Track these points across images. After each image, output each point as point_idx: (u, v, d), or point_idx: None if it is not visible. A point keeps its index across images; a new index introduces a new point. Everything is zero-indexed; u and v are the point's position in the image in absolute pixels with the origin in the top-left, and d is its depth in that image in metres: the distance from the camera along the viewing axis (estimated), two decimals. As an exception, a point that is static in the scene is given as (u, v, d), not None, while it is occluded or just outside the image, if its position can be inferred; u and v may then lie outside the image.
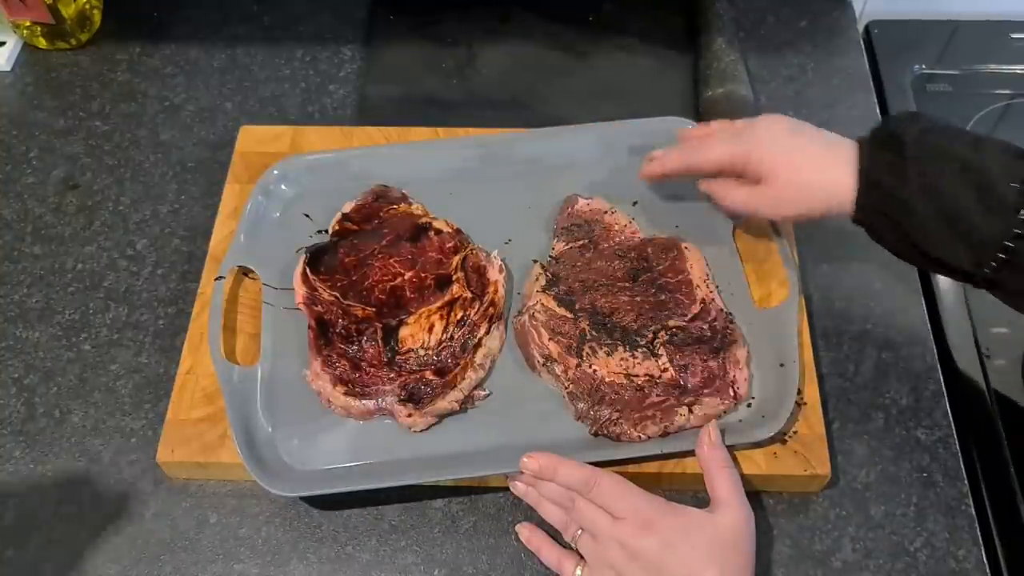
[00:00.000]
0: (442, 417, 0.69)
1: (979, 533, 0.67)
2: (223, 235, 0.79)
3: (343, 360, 0.70)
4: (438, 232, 0.76)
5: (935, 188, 0.59)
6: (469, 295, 0.72)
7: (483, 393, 0.70)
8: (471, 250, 0.75)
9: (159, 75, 0.96)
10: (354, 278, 0.74)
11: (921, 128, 0.61)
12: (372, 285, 0.73)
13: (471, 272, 0.74)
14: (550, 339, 0.69)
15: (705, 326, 0.70)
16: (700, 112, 0.88)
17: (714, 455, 0.63)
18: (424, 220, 0.77)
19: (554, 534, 0.65)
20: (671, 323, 0.70)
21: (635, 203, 0.78)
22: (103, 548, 0.68)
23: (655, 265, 0.74)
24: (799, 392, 0.69)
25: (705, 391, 0.67)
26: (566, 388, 0.68)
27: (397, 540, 0.67)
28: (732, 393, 0.67)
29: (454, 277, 0.73)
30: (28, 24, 0.95)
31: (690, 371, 0.68)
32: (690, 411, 0.66)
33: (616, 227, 0.77)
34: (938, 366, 0.75)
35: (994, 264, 0.58)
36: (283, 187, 0.81)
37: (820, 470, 0.66)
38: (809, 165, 0.65)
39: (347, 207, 0.78)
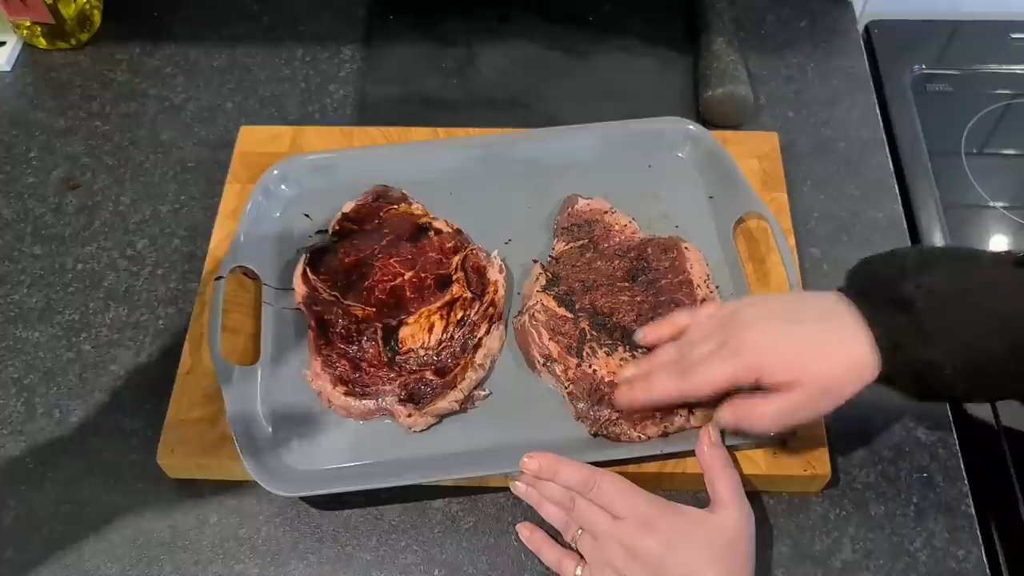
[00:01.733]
0: (442, 417, 0.69)
1: (979, 533, 0.67)
2: (223, 235, 0.79)
3: (343, 360, 0.70)
4: (438, 232, 0.76)
5: (963, 341, 0.55)
6: (469, 295, 0.72)
7: (483, 393, 0.70)
8: (471, 250, 0.75)
9: (159, 75, 0.96)
10: (354, 278, 0.74)
11: (915, 278, 0.57)
12: (372, 285, 0.73)
13: (471, 272, 0.74)
14: (550, 339, 0.69)
15: (705, 326, 0.70)
16: (700, 112, 0.88)
17: (714, 455, 0.63)
18: (424, 220, 0.77)
19: (554, 534, 0.65)
20: (671, 323, 0.70)
21: (633, 218, 0.78)
22: (103, 548, 0.68)
23: (655, 265, 0.74)
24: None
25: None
26: (566, 388, 0.68)
27: (397, 540, 0.67)
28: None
29: (454, 277, 0.73)
30: (28, 24, 0.95)
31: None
32: (690, 412, 0.66)
33: (616, 227, 0.77)
34: (938, 366, 0.75)
35: None
36: (283, 187, 0.81)
37: (820, 470, 0.66)
38: (828, 353, 0.58)
39: (347, 207, 0.78)
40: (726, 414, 0.62)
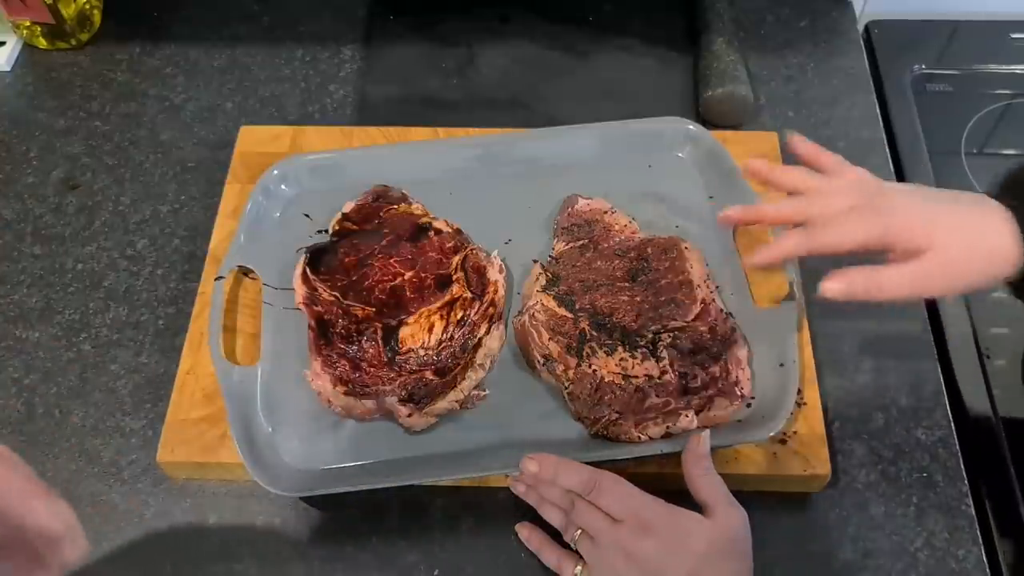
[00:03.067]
0: (442, 417, 0.69)
1: (979, 533, 0.67)
2: (223, 235, 0.79)
3: (343, 360, 0.70)
4: (438, 232, 0.76)
5: None
6: (469, 295, 0.72)
7: (483, 393, 0.70)
8: (471, 250, 0.75)
9: (159, 75, 0.96)
10: (354, 278, 0.74)
11: None
12: (372, 285, 0.73)
13: (471, 272, 0.74)
14: (550, 339, 0.69)
15: (705, 327, 0.70)
16: (700, 112, 0.88)
17: (697, 463, 0.63)
18: (424, 220, 0.77)
19: (554, 534, 0.65)
20: (671, 324, 0.70)
21: (633, 218, 0.78)
22: (103, 548, 0.68)
23: (655, 265, 0.74)
24: (799, 392, 0.69)
25: (708, 392, 0.67)
26: (566, 388, 0.68)
27: (397, 540, 0.67)
28: (739, 394, 0.67)
29: (454, 277, 0.73)
30: (28, 24, 0.95)
31: (690, 376, 0.68)
32: (696, 414, 0.66)
33: (616, 227, 0.77)
34: (938, 366, 0.75)
35: None
36: (283, 187, 0.81)
37: (820, 470, 0.66)
38: (969, 229, 0.57)
39: (347, 207, 0.78)
40: (858, 276, 0.57)
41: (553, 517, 0.64)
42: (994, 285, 0.58)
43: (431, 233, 0.76)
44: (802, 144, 0.65)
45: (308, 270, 0.74)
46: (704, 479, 0.62)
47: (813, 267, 0.79)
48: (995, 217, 0.57)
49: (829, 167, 0.64)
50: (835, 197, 0.60)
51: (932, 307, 0.78)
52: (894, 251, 0.58)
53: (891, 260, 0.58)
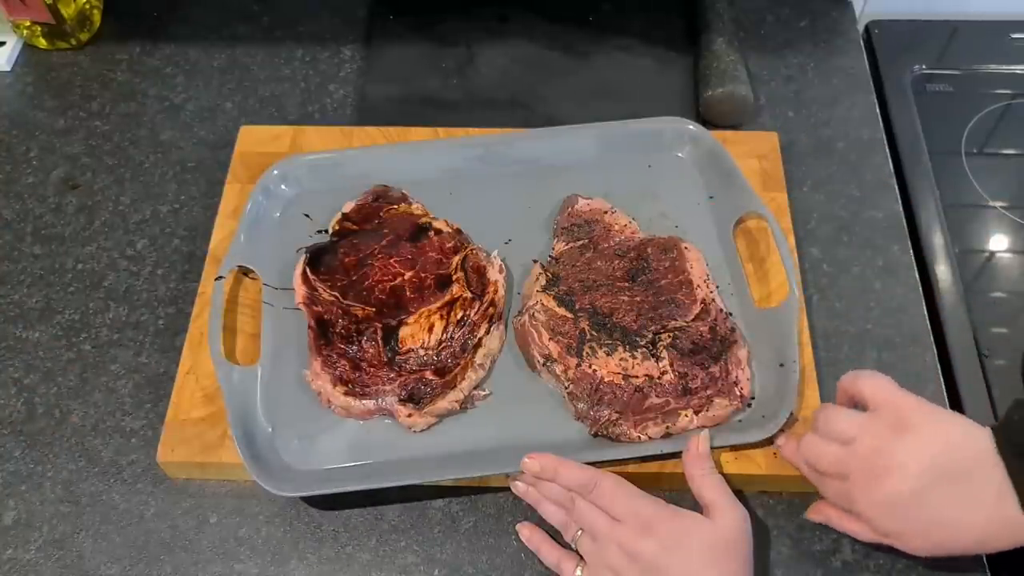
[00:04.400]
0: (442, 417, 0.69)
1: (979, 533, 0.67)
2: (223, 235, 0.79)
3: (343, 360, 0.70)
4: (438, 232, 0.76)
5: None
6: (469, 295, 0.72)
7: (483, 393, 0.70)
8: (471, 250, 0.75)
9: (159, 75, 0.96)
10: (354, 278, 0.74)
11: None
12: (372, 285, 0.73)
13: (471, 272, 0.74)
14: (550, 339, 0.69)
15: (705, 327, 0.70)
16: (700, 112, 0.88)
17: (698, 463, 0.63)
18: (424, 220, 0.77)
19: (554, 534, 0.65)
20: (672, 324, 0.70)
21: (633, 218, 0.78)
22: (103, 548, 0.68)
23: (655, 265, 0.74)
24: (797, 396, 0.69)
25: (708, 392, 0.67)
26: (566, 388, 0.68)
27: (397, 540, 0.67)
28: (738, 393, 0.67)
29: (454, 277, 0.73)
30: (28, 24, 0.95)
31: (690, 376, 0.68)
32: (696, 414, 0.66)
33: (616, 227, 0.77)
34: (938, 366, 0.75)
35: None
36: (283, 187, 0.81)
37: (820, 470, 0.66)
38: (963, 529, 0.56)
39: (347, 207, 0.78)
40: (823, 514, 0.63)
41: (553, 517, 0.64)
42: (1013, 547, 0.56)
43: (431, 233, 0.76)
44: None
45: (308, 270, 0.74)
46: (706, 479, 0.62)
47: (813, 267, 0.79)
48: (994, 491, 0.54)
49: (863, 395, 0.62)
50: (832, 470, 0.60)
51: (932, 306, 0.78)
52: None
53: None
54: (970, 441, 0.56)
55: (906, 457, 0.57)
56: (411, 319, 0.71)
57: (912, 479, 0.56)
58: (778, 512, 0.68)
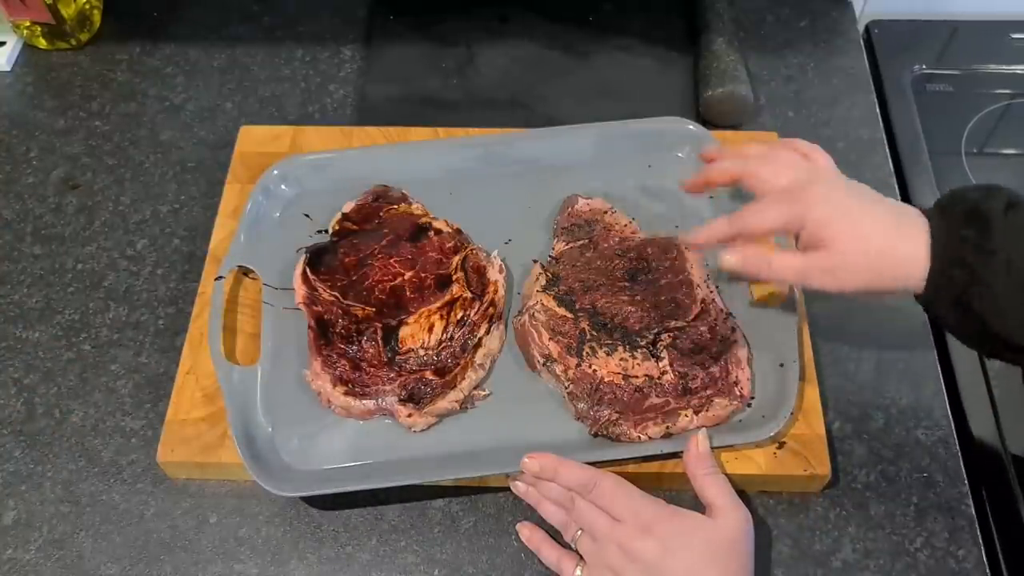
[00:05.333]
0: (442, 417, 0.69)
1: (979, 533, 0.67)
2: (223, 235, 0.79)
3: (343, 360, 0.70)
4: (438, 232, 0.76)
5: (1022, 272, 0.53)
6: (469, 295, 0.72)
7: (483, 393, 0.70)
8: (471, 250, 0.75)
9: (159, 75, 0.96)
10: (354, 278, 0.74)
11: (1007, 203, 0.55)
12: (372, 285, 0.73)
13: (471, 272, 0.74)
14: (550, 339, 0.69)
15: (705, 327, 0.70)
16: (700, 112, 0.88)
17: (700, 463, 0.63)
18: (424, 220, 0.77)
19: (554, 534, 0.65)
20: (672, 324, 0.70)
21: (633, 218, 0.78)
22: (103, 548, 0.68)
23: (655, 265, 0.74)
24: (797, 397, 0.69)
25: (708, 392, 0.67)
26: (566, 388, 0.68)
27: (397, 540, 0.67)
28: (738, 393, 0.67)
29: (454, 277, 0.73)
30: (28, 24, 0.95)
31: (690, 376, 0.68)
32: (696, 414, 0.66)
33: (616, 227, 0.77)
34: (938, 366, 0.75)
35: None
36: (283, 187, 0.81)
37: (820, 470, 0.66)
38: (879, 234, 0.57)
39: (347, 207, 0.78)
40: (750, 255, 0.61)
41: (553, 516, 0.64)
42: (900, 294, 0.57)
43: (431, 233, 0.76)
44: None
45: (308, 270, 0.74)
46: (708, 479, 0.62)
47: (813, 267, 0.79)
48: (912, 229, 0.57)
49: (802, 150, 0.68)
50: (775, 165, 0.64)
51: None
52: (801, 241, 0.59)
53: (799, 246, 0.60)
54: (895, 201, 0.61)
55: (842, 179, 0.62)
56: (411, 319, 0.71)
57: (854, 185, 0.61)
58: (778, 512, 0.68)
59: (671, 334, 0.70)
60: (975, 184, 0.60)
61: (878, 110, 0.90)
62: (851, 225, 0.58)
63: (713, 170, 0.69)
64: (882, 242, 0.57)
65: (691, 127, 0.82)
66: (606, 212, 0.78)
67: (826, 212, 0.58)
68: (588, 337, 0.70)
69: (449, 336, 0.71)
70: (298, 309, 0.73)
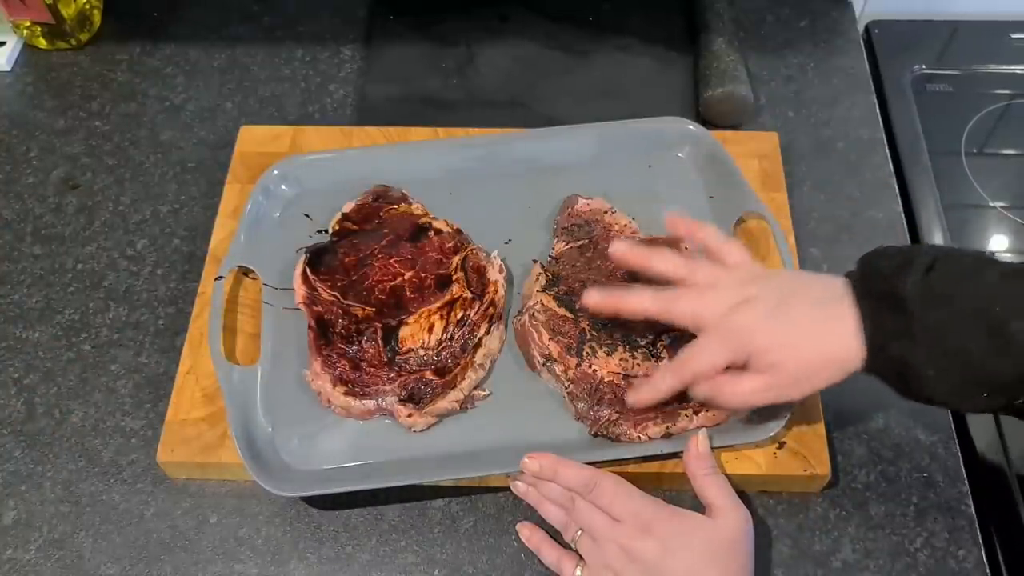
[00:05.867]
0: (442, 417, 0.69)
1: (979, 533, 0.67)
2: (223, 235, 0.79)
3: (343, 360, 0.70)
4: (438, 232, 0.76)
5: (946, 345, 0.55)
6: (469, 295, 0.72)
7: (483, 393, 0.70)
8: (471, 250, 0.75)
9: (159, 75, 0.96)
10: (354, 278, 0.74)
11: (926, 267, 0.56)
12: (372, 285, 0.73)
13: (471, 272, 0.74)
14: (550, 339, 0.69)
15: (705, 326, 0.70)
16: (700, 112, 0.88)
17: (700, 464, 0.63)
18: (424, 220, 0.77)
19: (554, 534, 0.65)
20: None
21: (633, 218, 0.78)
22: (103, 548, 0.68)
23: (655, 265, 0.74)
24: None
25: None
26: (566, 388, 0.68)
27: (397, 540, 0.67)
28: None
29: (454, 277, 0.73)
30: (28, 24, 0.95)
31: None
32: (695, 414, 0.66)
33: (616, 227, 0.77)
34: (938, 366, 0.75)
35: (1018, 403, 0.55)
36: (283, 187, 0.81)
37: (820, 470, 0.66)
38: (810, 344, 0.59)
39: (347, 207, 0.78)
40: (702, 388, 0.63)
41: (553, 516, 0.64)
42: (843, 381, 0.59)
43: (431, 233, 0.76)
44: (681, 224, 0.69)
45: (308, 270, 0.74)
46: (708, 479, 0.62)
47: (813, 267, 0.79)
48: (843, 319, 0.58)
49: (712, 248, 0.67)
50: (691, 295, 0.63)
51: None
52: (747, 365, 0.61)
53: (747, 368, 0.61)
54: (824, 280, 0.61)
55: (765, 286, 0.62)
56: (411, 319, 0.71)
57: (775, 292, 0.61)
58: (778, 512, 0.68)
59: (671, 334, 0.70)
60: (895, 248, 0.59)
61: (878, 110, 0.90)
62: (790, 351, 0.59)
63: (629, 301, 0.65)
64: (813, 352, 0.59)
65: (691, 127, 0.82)
66: (606, 212, 0.78)
67: (764, 342, 0.60)
68: (588, 337, 0.70)
69: (449, 336, 0.71)
70: (298, 309, 0.73)
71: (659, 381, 0.64)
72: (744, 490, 0.68)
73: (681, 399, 0.67)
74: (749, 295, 0.61)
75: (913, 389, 0.57)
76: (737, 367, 0.61)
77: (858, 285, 0.59)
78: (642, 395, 0.65)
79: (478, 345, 0.71)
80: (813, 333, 0.59)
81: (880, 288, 0.57)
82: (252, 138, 0.85)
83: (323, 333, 0.71)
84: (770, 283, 0.63)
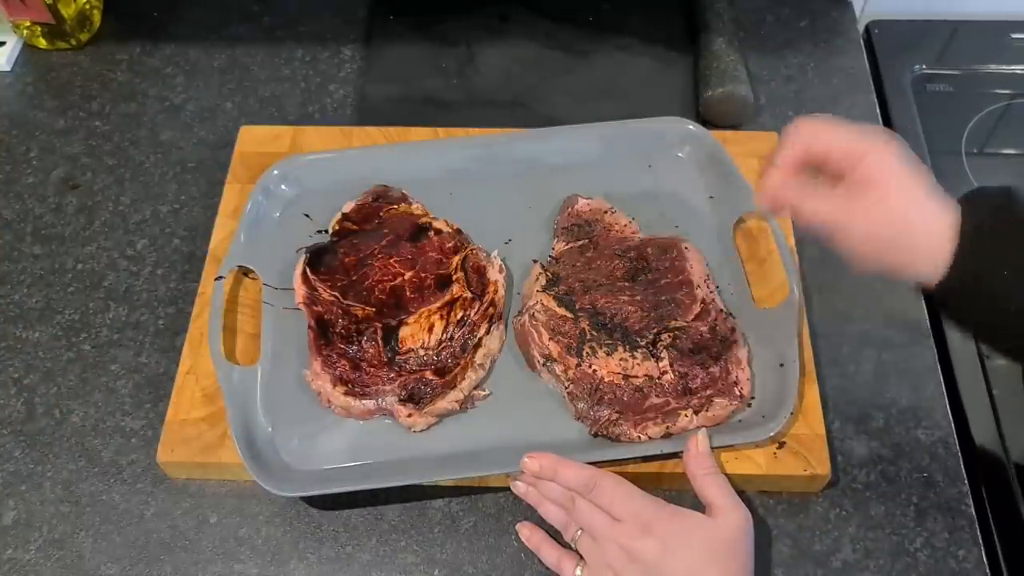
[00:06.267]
0: (442, 417, 0.69)
1: (979, 533, 0.67)
2: (223, 235, 0.79)
3: (343, 360, 0.70)
4: (438, 232, 0.76)
5: None
6: (469, 295, 0.72)
7: (483, 393, 0.70)
8: (471, 250, 0.75)
9: (159, 75, 0.96)
10: (354, 278, 0.74)
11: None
12: (372, 285, 0.73)
13: (471, 272, 0.74)
14: (550, 339, 0.69)
15: (705, 327, 0.70)
16: (700, 112, 0.88)
17: (700, 463, 0.63)
18: (424, 220, 0.77)
19: (554, 534, 0.65)
20: (672, 324, 0.70)
21: (633, 218, 0.78)
22: (103, 548, 0.68)
23: (655, 265, 0.74)
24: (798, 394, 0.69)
25: (708, 392, 0.67)
26: (566, 388, 0.68)
27: (397, 540, 0.67)
28: (738, 393, 0.67)
29: (454, 277, 0.73)
30: (28, 24, 0.95)
31: (690, 376, 0.68)
32: (695, 414, 0.66)
33: (616, 227, 0.77)
34: (938, 366, 0.75)
35: None
36: (283, 187, 0.81)
37: (820, 470, 0.66)
38: (918, 195, 0.56)
39: (347, 207, 0.78)
40: (779, 193, 0.60)
41: (553, 516, 0.64)
42: (910, 275, 0.57)
43: (431, 233, 0.76)
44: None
45: (308, 270, 0.74)
46: (707, 479, 0.62)
47: (813, 267, 0.79)
48: (946, 208, 0.56)
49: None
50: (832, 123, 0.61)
51: (932, 307, 0.78)
52: (847, 177, 0.58)
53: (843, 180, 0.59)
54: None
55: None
56: (411, 319, 0.71)
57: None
58: (778, 512, 0.68)
59: (671, 334, 0.70)
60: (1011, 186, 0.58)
61: (878, 110, 0.90)
62: (900, 173, 0.57)
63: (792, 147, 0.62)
64: (915, 203, 0.56)
65: (691, 127, 0.82)
66: (606, 212, 0.78)
67: (887, 154, 0.57)
68: (588, 337, 0.70)
69: (449, 336, 0.71)
70: (298, 309, 0.73)
71: (789, 139, 0.61)
72: (744, 490, 0.68)
73: (682, 396, 0.67)
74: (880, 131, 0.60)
75: (986, 303, 0.55)
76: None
77: (965, 207, 0.56)
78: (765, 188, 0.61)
79: (478, 345, 0.71)
80: (924, 192, 0.56)
81: (991, 200, 0.56)
82: (252, 138, 0.85)
83: (323, 333, 0.71)
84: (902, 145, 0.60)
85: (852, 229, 0.57)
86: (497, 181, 0.81)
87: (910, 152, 0.59)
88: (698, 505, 0.62)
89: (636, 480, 0.63)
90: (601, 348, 0.69)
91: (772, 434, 0.66)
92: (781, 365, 0.69)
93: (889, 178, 0.57)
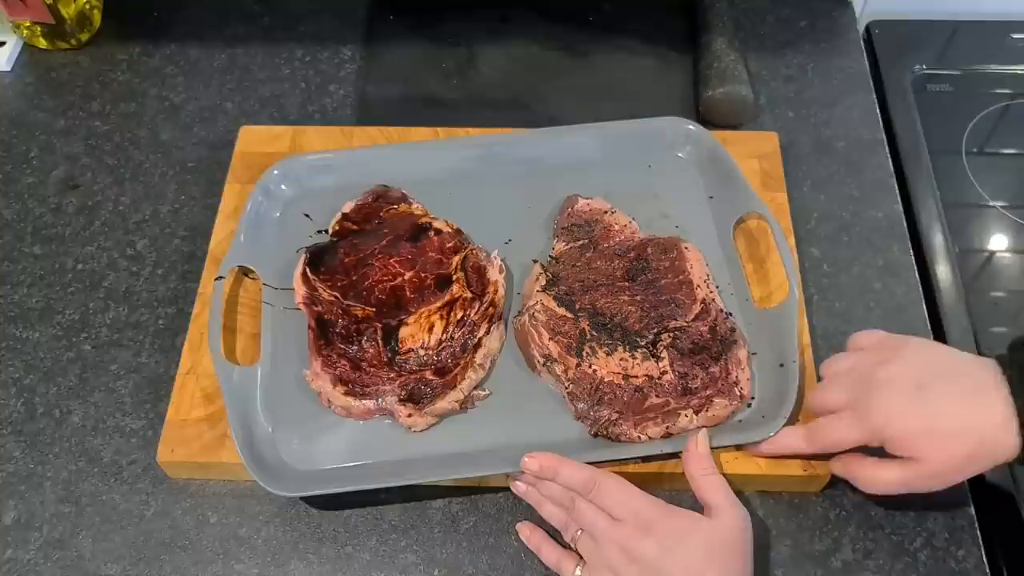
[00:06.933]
0: (442, 417, 0.69)
1: (979, 533, 0.67)
2: (223, 235, 0.79)
3: (343, 360, 0.70)
4: (438, 232, 0.76)
5: None
6: (469, 295, 0.72)
7: (483, 393, 0.70)
8: (471, 250, 0.75)
9: (159, 75, 0.96)
10: (354, 278, 0.74)
11: None
12: (372, 285, 0.73)
13: (471, 272, 0.74)
14: (550, 339, 0.69)
15: (705, 327, 0.70)
16: (700, 112, 0.88)
17: (699, 464, 0.63)
18: (424, 220, 0.77)
19: (554, 534, 0.65)
20: (672, 324, 0.70)
21: (633, 218, 0.78)
22: (103, 548, 0.68)
23: (655, 265, 0.74)
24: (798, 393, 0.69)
25: (708, 392, 0.67)
26: (566, 388, 0.68)
27: (397, 540, 0.67)
28: (738, 393, 0.67)
29: (454, 277, 0.73)
30: (28, 24, 0.95)
31: (690, 376, 0.68)
32: (695, 414, 0.66)
33: (616, 227, 0.77)
34: (938, 366, 0.74)
35: None
36: (283, 187, 0.81)
37: (820, 470, 0.66)
38: (957, 439, 0.57)
39: (347, 207, 0.78)
40: (839, 466, 0.63)
41: (553, 516, 0.64)
42: (1000, 463, 0.58)
43: (431, 233, 0.76)
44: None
45: (308, 270, 0.74)
46: (706, 479, 0.62)
47: (813, 267, 0.79)
48: (993, 407, 0.56)
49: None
50: (830, 397, 0.63)
51: (932, 306, 0.78)
52: (887, 450, 0.60)
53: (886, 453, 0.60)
54: (969, 365, 0.59)
55: (903, 364, 0.60)
56: (411, 319, 0.71)
57: (914, 370, 0.59)
58: (778, 512, 0.68)
59: (671, 334, 0.70)
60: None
61: (878, 110, 0.90)
62: (934, 444, 0.57)
63: (783, 443, 0.65)
64: (969, 448, 0.57)
65: (691, 127, 0.82)
66: (606, 212, 0.78)
67: (903, 429, 0.58)
68: (588, 337, 0.70)
69: (449, 336, 0.71)
70: (298, 309, 0.73)
71: (785, 438, 0.64)
72: (744, 490, 0.68)
73: (682, 396, 0.67)
74: (888, 372, 0.60)
75: None
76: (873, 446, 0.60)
77: (1015, 376, 0.56)
78: (763, 449, 0.65)
79: (478, 345, 0.71)
80: (961, 427, 0.57)
81: None
82: (252, 138, 0.85)
83: (323, 333, 0.71)
84: (908, 359, 0.61)
85: (928, 488, 0.59)
86: (497, 181, 0.81)
87: (916, 373, 0.59)
88: (698, 505, 0.62)
89: (636, 480, 0.63)
90: (601, 348, 0.69)
91: (772, 434, 0.66)
92: (781, 365, 0.69)
93: (918, 452, 0.58)
